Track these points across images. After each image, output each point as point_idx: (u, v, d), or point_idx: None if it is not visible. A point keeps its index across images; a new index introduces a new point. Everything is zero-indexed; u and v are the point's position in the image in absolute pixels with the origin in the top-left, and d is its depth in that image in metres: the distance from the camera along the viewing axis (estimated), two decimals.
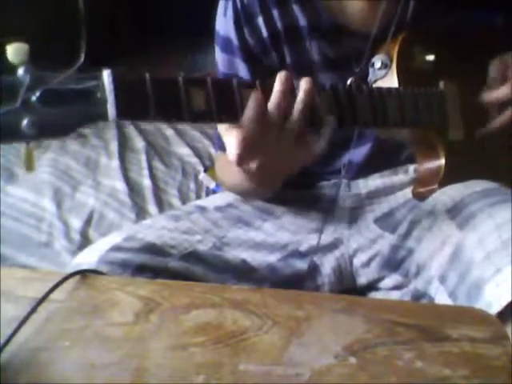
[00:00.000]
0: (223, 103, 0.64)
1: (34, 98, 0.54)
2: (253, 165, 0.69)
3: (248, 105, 0.65)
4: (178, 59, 2.26)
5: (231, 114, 0.65)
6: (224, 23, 0.90)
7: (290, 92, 0.67)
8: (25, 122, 0.54)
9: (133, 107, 0.59)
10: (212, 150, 1.68)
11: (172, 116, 0.63)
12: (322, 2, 0.87)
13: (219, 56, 0.93)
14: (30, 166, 0.57)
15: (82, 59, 0.55)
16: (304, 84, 0.68)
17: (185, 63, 2.23)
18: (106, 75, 0.57)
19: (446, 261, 0.76)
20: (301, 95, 0.67)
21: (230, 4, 0.89)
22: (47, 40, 1.29)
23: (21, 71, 0.55)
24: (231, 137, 0.66)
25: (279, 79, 0.67)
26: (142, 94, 0.59)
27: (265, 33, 0.89)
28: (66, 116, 0.56)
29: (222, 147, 0.96)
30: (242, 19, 0.88)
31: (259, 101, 0.65)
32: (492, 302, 0.68)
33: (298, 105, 0.67)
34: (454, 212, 0.78)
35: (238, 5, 0.88)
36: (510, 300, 0.67)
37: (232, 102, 0.65)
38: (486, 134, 0.87)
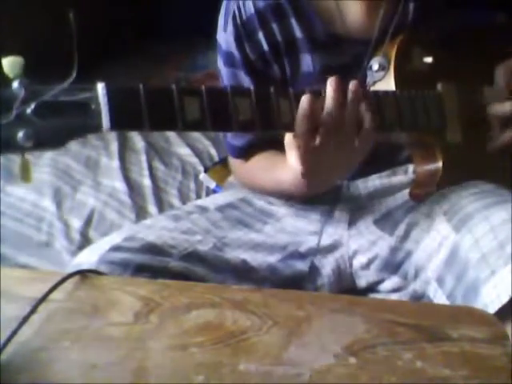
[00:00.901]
0: (217, 112, 0.63)
1: (28, 111, 0.54)
2: (319, 175, 0.72)
3: (298, 114, 0.66)
4: (178, 59, 2.25)
5: (226, 123, 0.65)
6: (225, 38, 0.90)
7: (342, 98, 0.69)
8: (20, 134, 0.54)
9: (127, 118, 0.59)
10: (213, 151, 1.68)
11: (166, 126, 0.63)
12: (317, 14, 0.87)
13: (223, 69, 0.93)
14: (26, 177, 0.57)
15: (74, 75, 0.55)
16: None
17: (185, 63, 2.23)
18: (100, 87, 0.57)
19: (443, 262, 0.76)
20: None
21: (230, 19, 0.88)
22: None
23: (16, 84, 0.55)
24: (295, 150, 0.68)
25: (331, 88, 0.69)
26: (136, 105, 0.59)
27: (265, 47, 0.89)
28: (61, 128, 0.56)
29: (234, 152, 0.96)
30: (243, 35, 0.88)
31: (308, 109, 0.66)
32: (488, 303, 0.68)
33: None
34: (451, 214, 0.78)
35: (238, 21, 0.88)
36: (505, 301, 0.67)
37: (226, 110, 0.64)
38: (493, 150, 0.87)
